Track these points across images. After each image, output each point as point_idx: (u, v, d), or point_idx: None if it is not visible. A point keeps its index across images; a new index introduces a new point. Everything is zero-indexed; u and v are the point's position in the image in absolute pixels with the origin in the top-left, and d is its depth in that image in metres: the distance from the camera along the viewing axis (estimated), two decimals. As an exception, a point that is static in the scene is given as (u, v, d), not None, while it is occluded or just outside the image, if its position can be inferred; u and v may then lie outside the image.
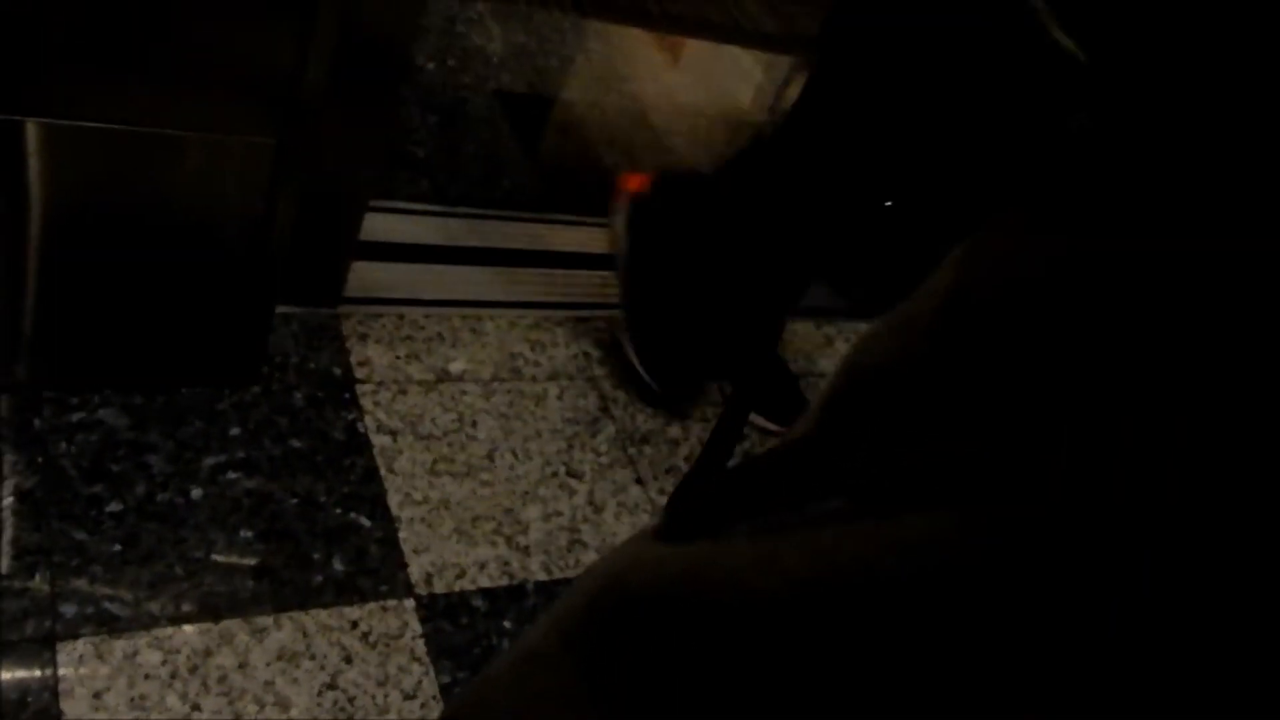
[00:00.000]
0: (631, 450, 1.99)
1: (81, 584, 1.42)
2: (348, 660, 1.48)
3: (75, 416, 1.60)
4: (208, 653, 1.42)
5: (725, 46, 3.52)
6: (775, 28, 3.79)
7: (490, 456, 1.85)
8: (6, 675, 1.32)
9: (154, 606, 1.43)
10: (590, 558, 1.77)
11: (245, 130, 1.46)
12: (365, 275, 2.09)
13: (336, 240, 1.91)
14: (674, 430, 2.06)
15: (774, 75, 3.44)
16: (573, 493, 1.87)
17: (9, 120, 1.31)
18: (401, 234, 2.21)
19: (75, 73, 1.31)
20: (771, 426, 2.09)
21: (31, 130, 1.34)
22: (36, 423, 1.57)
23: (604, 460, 1.95)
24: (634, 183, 2.59)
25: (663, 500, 1.92)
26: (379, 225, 2.20)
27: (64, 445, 1.56)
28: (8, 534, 1.43)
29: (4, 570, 1.40)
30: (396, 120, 2.36)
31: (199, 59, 1.36)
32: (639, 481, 1.94)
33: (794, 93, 3.11)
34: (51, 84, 1.31)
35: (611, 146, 2.77)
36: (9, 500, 1.47)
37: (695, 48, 3.44)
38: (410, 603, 1.59)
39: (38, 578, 1.40)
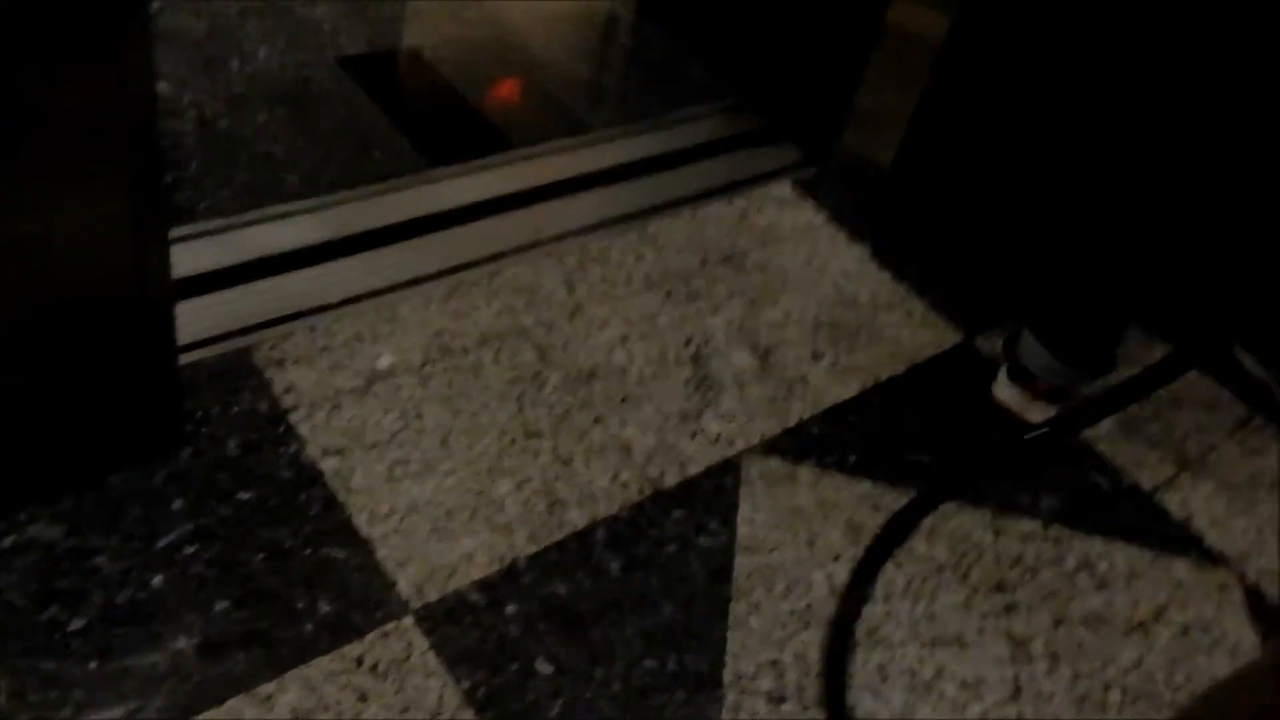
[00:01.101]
0: (582, 391, 1.94)
1: (66, 715, 1.36)
2: (363, 699, 1.45)
3: (6, 542, 1.52)
4: (222, 735, 1.39)
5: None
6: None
7: (444, 443, 1.80)
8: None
9: (151, 713, 1.39)
10: (573, 515, 1.74)
11: (93, 202, 1.36)
12: (263, 293, 1.99)
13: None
14: (618, 357, 2.01)
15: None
16: (537, 454, 1.82)
17: None
18: (285, 241, 2.10)
19: None
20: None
21: None
22: (-30, 562, 1.49)
23: (558, 410, 1.90)
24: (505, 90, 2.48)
25: (627, 432, 1.88)
26: (258, 238, 2.09)
27: (3, 576, 1.48)
28: (-20, 684, 1.37)
29: (-12, 722, 1.34)
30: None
31: (30, 145, 1.25)
32: (598, 421, 1.90)
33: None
34: None
35: (472, 82, 2.63)
36: (-31, 650, 1.40)
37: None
38: (409, 620, 1.55)
39: (23, 721, 1.35)
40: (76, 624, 1.45)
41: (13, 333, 1.40)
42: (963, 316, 2.30)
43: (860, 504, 1.88)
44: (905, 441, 2.01)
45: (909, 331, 2.23)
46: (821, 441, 1.96)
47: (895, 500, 1.88)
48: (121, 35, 1.23)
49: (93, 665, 1.41)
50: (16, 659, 1.40)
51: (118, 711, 1.38)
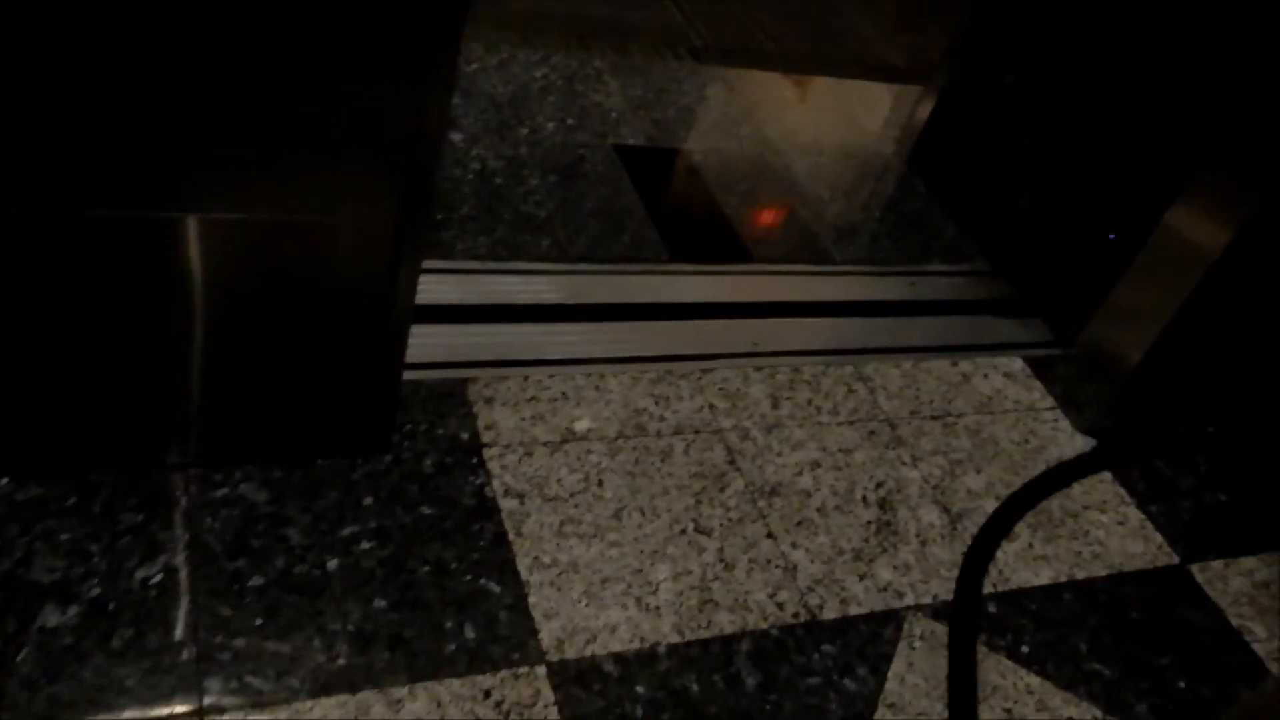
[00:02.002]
0: (761, 503, 1.94)
1: (226, 658, 1.46)
2: (480, 730, 1.48)
3: (219, 493, 1.66)
4: (346, 724, 1.44)
5: (847, 81, 3.47)
6: (896, 59, 3.71)
7: (618, 515, 1.84)
8: (159, 749, 1.37)
9: (294, 681, 1.46)
10: (723, 618, 1.73)
11: (366, 210, 1.51)
12: (492, 335, 2.12)
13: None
14: (805, 481, 2.01)
15: (899, 106, 3.36)
16: (702, 550, 1.83)
17: (175, 217, 1.40)
18: (524, 294, 2.24)
19: (218, 171, 1.38)
20: None
21: (192, 225, 1.42)
22: (184, 500, 1.64)
23: (733, 515, 1.91)
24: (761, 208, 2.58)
25: (796, 554, 1.86)
26: (502, 287, 2.24)
27: (208, 521, 1.62)
28: (159, 610, 1.50)
29: (155, 645, 1.45)
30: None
31: (321, 144, 1.41)
32: (770, 535, 1.89)
33: (920, 121, 3.03)
34: (201, 183, 1.39)
35: (731, 192, 2.75)
36: (159, 577, 1.53)
37: (818, 84, 3.40)
38: (542, 669, 1.58)
39: (185, 653, 1.46)
40: (256, 580, 1.56)
41: (267, 308, 1.55)
42: (1183, 538, 2.15)
43: (1023, 697, 1.77)
44: (1088, 648, 1.88)
45: (1118, 539, 2.11)
46: (997, 621, 1.87)
47: (1063, 705, 1.76)
48: (432, 64, 1.36)
49: (258, 621, 1.51)
50: (200, 597, 1.52)
51: (268, 670, 1.46)
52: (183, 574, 1.55)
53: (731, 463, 2.00)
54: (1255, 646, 1.98)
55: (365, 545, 1.66)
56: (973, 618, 1.69)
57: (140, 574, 1.53)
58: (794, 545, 1.89)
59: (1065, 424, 2.34)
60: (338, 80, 1.35)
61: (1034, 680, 1.80)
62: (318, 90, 1.35)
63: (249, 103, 1.33)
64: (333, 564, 1.62)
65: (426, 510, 1.74)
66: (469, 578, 1.66)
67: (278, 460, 1.73)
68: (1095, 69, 2.54)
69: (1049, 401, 2.39)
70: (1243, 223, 2.16)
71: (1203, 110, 2.28)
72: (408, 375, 1.91)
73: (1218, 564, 2.13)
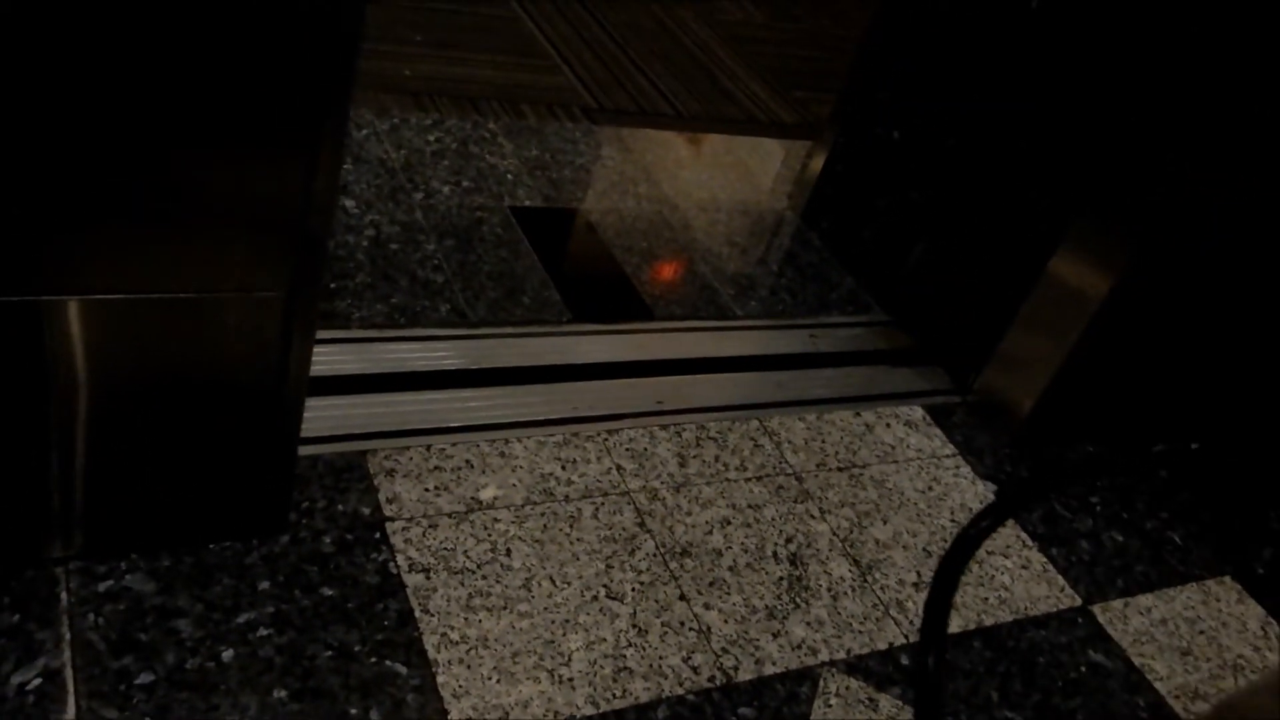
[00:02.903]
0: (673, 565, 1.92)
1: (110, 766, 1.37)
2: (389, 824, 1.41)
3: (102, 586, 1.57)
4: (244, 828, 1.36)
5: (740, 138, 3.53)
6: (789, 116, 3.80)
7: (527, 585, 1.80)
8: None
9: (186, 784, 1.38)
10: (638, 686, 1.69)
11: (255, 285, 1.46)
12: (390, 405, 2.07)
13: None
14: (715, 539, 2.00)
15: (792, 161, 3.44)
16: (615, 616, 1.80)
17: (51, 301, 1.33)
18: (423, 361, 2.19)
19: (95, 251, 1.32)
20: None
21: (72, 308, 1.35)
22: (64, 596, 1.54)
23: (645, 578, 1.88)
24: (659, 266, 2.60)
25: (709, 615, 1.84)
26: (400, 355, 2.19)
27: (91, 618, 1.53)
28: (38, 717, 1.40)
29: (33, 756, 1.36)
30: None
31: (204, 219, 1.36)
32: (683, 598, 1.87)
33: (812, 176, 3.10)
34: (78, 264, 1.33)
35: (630, 251, 2.75)
36: (37, 681, 1.43)
37: (712, 142, 3.45)
38: (452, 753, 1.52)
39: (66, 763, 1.36)
40: (144, 678, 1.47)
41: (153, 389, 1.49)
42: (1084, 579, 2.20)
43: (937, 747, 1.77)
44: (999, 696, 1.90)
45: (1023, 583, 2.15)
46: (911, 674, 1.88)
47: (975, 752, 1.77)
48: (319, 133, 1.33)
49: (144, 723, 1.43)
50: (83, 700, 1.43)
51: (154, 775, 1.38)
52: (64, 676, 1.45)
53: (641, 525, 1.98)
54: (1158, 685, 2.03)
55: (262, 632, 1.58)
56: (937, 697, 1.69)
57: (16, 679, 1.43)
58: (707, 606, 1.87)
59: (967, 470, 2.39)
60: (220, 153, 1.31)
61: (949, 731, 1.80)
62: (198, 164, 1.31)
63: (125, 180, 1.28)
64: (228, 655, 1.54)
65: (327, 591, 1.68)
66: (374, 660, 1.60)
67: (166, 547, 1.64)
68: (976, 123, 2.63)
69: (950, 449, 2.43)
70: (1124, 269, 2.25)
71: (1079, 162, 2.38)
72: (304, 450, 1.86)
73: (1118, 603, 2.19)
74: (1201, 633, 2.19)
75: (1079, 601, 2.15)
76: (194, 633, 1.55)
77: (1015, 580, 2.15)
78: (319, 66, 1.28)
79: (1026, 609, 2.09)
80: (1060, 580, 2.19)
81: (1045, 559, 2.22)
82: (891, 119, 2.87)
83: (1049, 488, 2.24)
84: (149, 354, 1.46)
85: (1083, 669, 2.01)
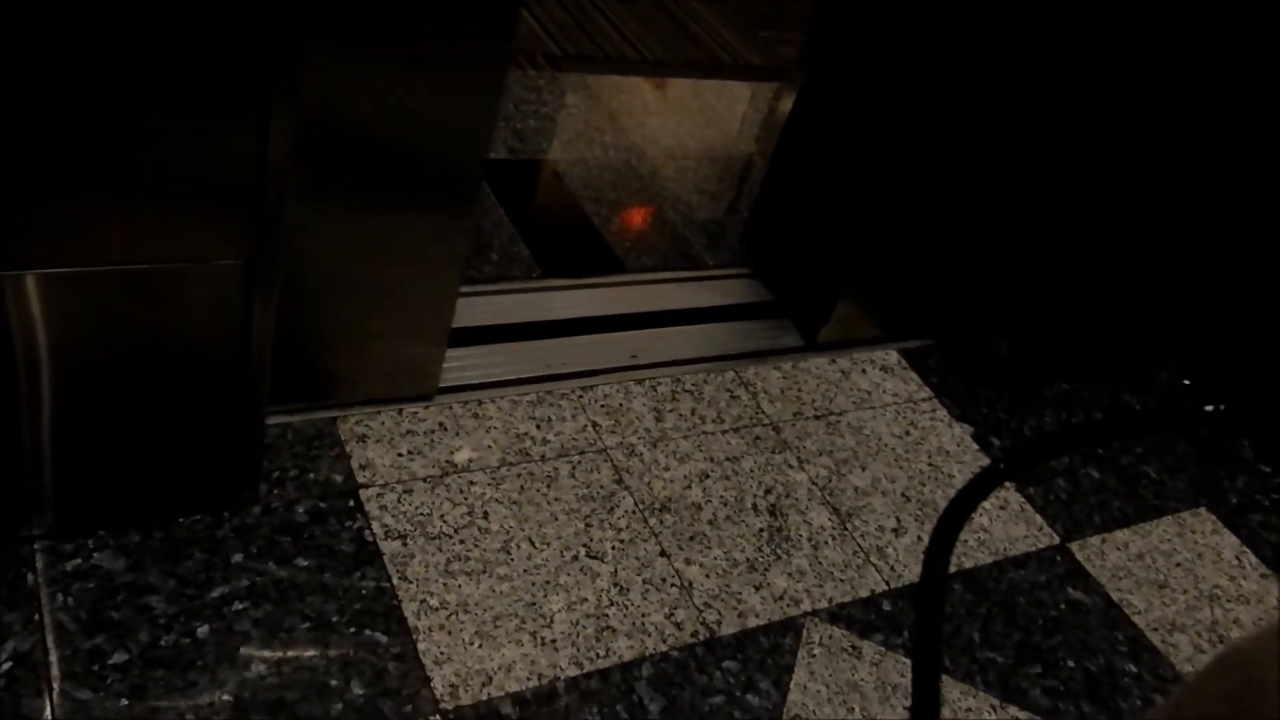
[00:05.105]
0: (652, 521, 1.91)
1: (87, 749, 1.35)
2: (375, 794, 1.40)
3: (70, 565, 1.54)
4: (228, 804, 1.35)
5: (707, 82, 3.47)
6: (755, 58, 3.73)
7: (506, 548, 1.78)
8: None
9: (165, 763, 1.36)
10: (621, 644, 1.69)
11: (213, 254, 1.41)
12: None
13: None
14: (694, 494, 1.98)
15: (759, 104, 3.38)
16: (595, 575, 1.79)
17: (9, 275, 1.28)
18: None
19: (51, 224, 1.27)
20: None
21: (31, 282, 1.30)
22: (30, 577, 1.51)
23: (625, 536, 1.87)
24: (629, 216, 2.56)
25: (690, 571, 1.84)
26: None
27: (61, 598, 1.50)
28: (10, 702, 1.37)
29: (7, 742, 1.33)
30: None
31: (159, 188, 1.31)
32: (663, 554, 1.86)
33: (780, 118, 3.05)
34: (34, 237, 1.28)
35: (599, 202, 2.71)
36: (8, 665, 1.41)
37: (678, 88, 3.39)
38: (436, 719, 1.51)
39: (42, 747, 1.34)
40: (118, 658, 1.45)
41: (117, 362, 1.45)
42: (1061, 518, 2.21)
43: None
44: (980, 638, 1.91)
45: (1001, 524, 2.15)
46: (893, 619, 1.88)
47: (961, 697, 1.78)
48: (271, 95, 1.28)
49: (123, 703, 1.40)
50: (55, 681, 1.40)
51: (133, 757, 1.36)
52: (36, 658, 1.43)
53: (619, 482, 1.96)
54: (1136, 619, 2.05)
55: (238, 606, 1.56)
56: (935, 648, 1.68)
57: (-15, 664, 1.40)
58: (688, 561, 1.86)
59: (943, 413, 2.38)
60: (171, 120, 1.25)
61: (932, 674, 1.81)
62: (143, 130, 1.25)
63: (71, 150, 1.23)
64: (203, 630, 1.52)
65: (302, 562, 1.65)
66: (353, 630, 1.58)
67: (135, 523, 1.61)
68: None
69: (926, 392, 2.43)
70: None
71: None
72: (273, 420, 1.82)
73: (1095, 540, 2.20)
74: (1178, 565, 2.21)
75: (1057, 540, 2.16)
76: (167, 609, 1.52)
77: (994, 521, 2.15)
78: (266, 20, 1.22)
79: (1006, 549, 2.10)
80: (1038, 519, 2.20)
81: (1023, 499, 2.23)
82: (859, 60, 2.81)
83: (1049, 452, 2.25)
84: (110, 327, 1.42)
85: (1062, 607, 2.02)
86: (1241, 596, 2.18)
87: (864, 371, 2.42)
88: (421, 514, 1.78)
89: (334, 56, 1.47)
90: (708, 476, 2.03)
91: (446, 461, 1.88)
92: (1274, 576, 2.25)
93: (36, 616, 1.47)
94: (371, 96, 1.55)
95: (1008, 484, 2.25)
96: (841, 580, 1.92)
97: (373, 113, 1.57)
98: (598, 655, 1.67)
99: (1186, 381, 2.76)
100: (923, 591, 1.84)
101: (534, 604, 1.71)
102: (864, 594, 1.91)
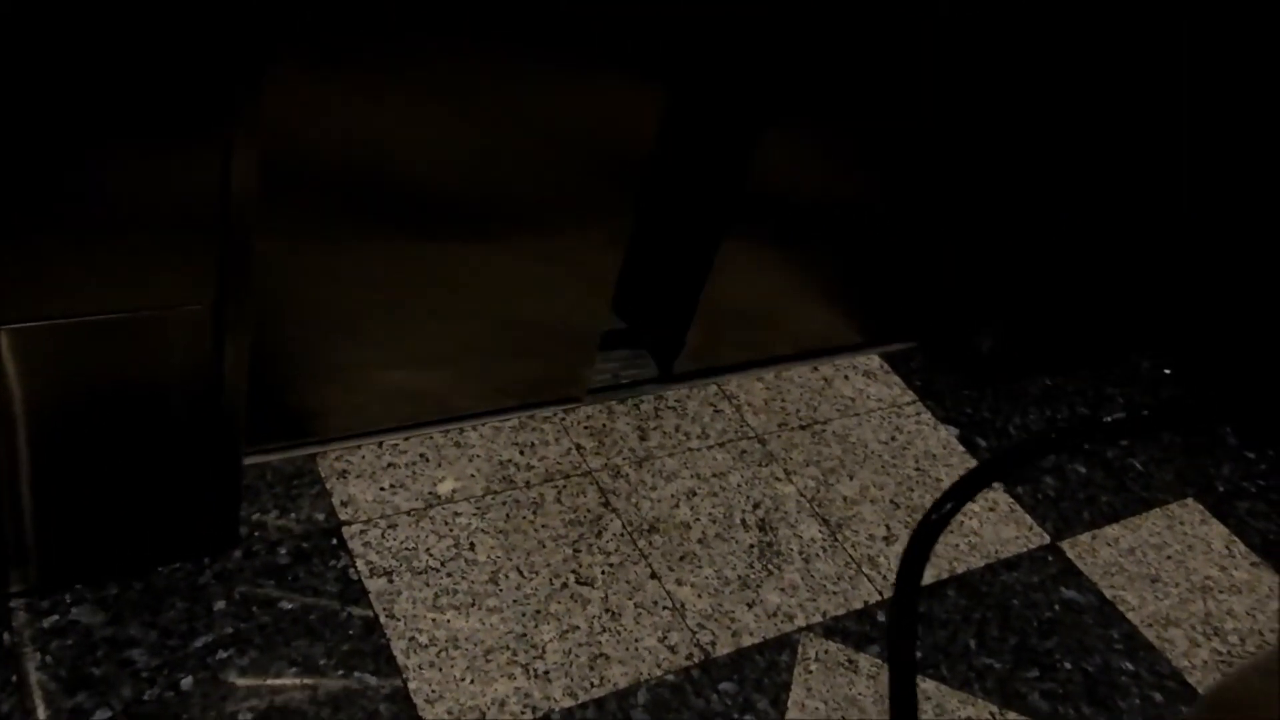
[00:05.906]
0: (641, 543, 1.89)
1: (72, 813, 1.32)
2: (371, 842, 1.37)
3: (48, 621, 1.50)
4: None
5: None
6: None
7: (494, 579, 1.75)
8: None
9: (154, 823, 1.33)
10: (615, 672, 1.66)
11: (181, 298, 1.38)
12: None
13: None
14: (683, 512, 1.96)
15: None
16: (586, 602, 1.76)
17: None
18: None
19: (19, 276, 1.24)
20: None
21: (4, 338, 1.27)
22: (7, 637, 1.47)
23: (614, 559, 1.85)
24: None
25: (682, 592, 1.81)
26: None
27: (40, 657, 1.46)
28: (-10, 767, 1.34)
29: (-10, 810, 1.30)
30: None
31: (119, 230, 1.28)
32: (654, 576, 1.84)
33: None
34: (5, 293, 1.24)
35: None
36: (-13, 729, 1.37)
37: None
38: (431, 761, 1.48)
39: (25, 814, 1.31)
40: (101, 715, 1.41)
41: (89, 414, 1.41)
42: (1051, 516, 2.20)
43: (922, 704, 1.76)
44: (978, 643, 1.89)
45: (991, 526, 2.14)
46: (888, 630, 1.87)
47: (960, 706, 1.77)
48: (232, 119, 1.24)
49: (105, 764, 1.37)
50: (31, 746, 1.37)
51: (120, 819, 1.32)
52: (15, 720, 1.39)
53: (606, 504, 1.94)
54: (1130, 615, 2.04)
55: (222, 655, 1.53)
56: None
57: (-37, 730, 1.37)
58: (679, 582, 1.84)
59: (928, 416, 2.37)
60: (119, 154, 1.21)
61: (929, 685, 1.80)
62: (105, 168, 1.22)
63: (36, 196, 1.19)
64: (187, 682, 1.48)
65: (287, 605, 1.62)
66: (341, 673, 1.55)
67: (113, 575, 1.57)
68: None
69: (910, 395, 2.42)
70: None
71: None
72: (251, 460, 1.79)
73: (1085, 537, 2.19)
74: (1169, 558, 2.20)
75: (1047, 539, 2.16)
76: (149, 662, 1.49)
77: (984, 524, 2.14)
78: (226, 43, 1.19)
79: (997, 551, 2.09)
80: (1028, 519, 2.19)
81: (1011, 499, 2.22)
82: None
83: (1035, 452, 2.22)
84: (81, 380, 1.39)
85: (1056, 607, 2.01)
86: (1233, 587, 2.18)
87: (846, 378, 2.41)
88: (406, 548, 1.75)
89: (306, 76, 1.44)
90: (695, 494, 2.01)
91: (430, 493, 1.86)
92: (1264, 565, 2.25)
93: (14, 677, 1.43)
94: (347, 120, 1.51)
95: (995, 485, 2.24)
96: (834, 593, 1.91)
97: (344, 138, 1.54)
98: (591, 684, 1.64)
99: (1168, 370, 2.77)
100: (896, 604, 1.82)
101: (525, 635, 1.68)
102: (858, 605, 1.89)
